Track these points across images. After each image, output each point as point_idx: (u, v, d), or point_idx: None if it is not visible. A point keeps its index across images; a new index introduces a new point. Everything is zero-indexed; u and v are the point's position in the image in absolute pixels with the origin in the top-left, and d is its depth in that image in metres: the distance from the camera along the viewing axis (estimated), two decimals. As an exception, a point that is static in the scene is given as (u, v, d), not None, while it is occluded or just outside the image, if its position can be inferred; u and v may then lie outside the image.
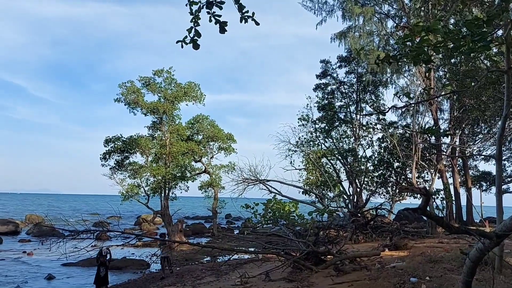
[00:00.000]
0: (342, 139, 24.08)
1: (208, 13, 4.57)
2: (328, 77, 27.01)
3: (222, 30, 4.66)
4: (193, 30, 4.61)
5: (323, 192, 23.69)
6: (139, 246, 25.58)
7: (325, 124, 23.81)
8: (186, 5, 4.59)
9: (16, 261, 20.80)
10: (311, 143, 24.14)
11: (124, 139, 28.14)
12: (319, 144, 24.03)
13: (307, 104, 24.66)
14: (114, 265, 19.15)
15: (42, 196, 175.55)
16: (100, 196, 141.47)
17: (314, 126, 23.84)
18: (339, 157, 22.78)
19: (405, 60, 4.61)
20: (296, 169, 24.47)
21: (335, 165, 23.87)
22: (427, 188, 10.90)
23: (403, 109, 24.08)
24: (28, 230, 34.78)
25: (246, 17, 4.65)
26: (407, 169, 22.33)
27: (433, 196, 17.08)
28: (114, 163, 28.25)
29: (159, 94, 29.18)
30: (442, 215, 18.15)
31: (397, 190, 23.22)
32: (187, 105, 30.13)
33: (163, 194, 28.57)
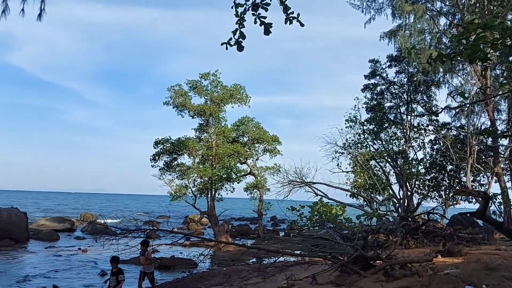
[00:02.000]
0: (391, 141, 23.32)
1: (254, 14, 4.59)
2: (377, 77, 26.28)
3: (267, 31, 4.67)
4: (238, 32, 4.65)
5: (372, 195, 23.07)
6: (187, 245, 26.14)
7: (373, 126, 23.19)
8: (232, 7, 4.64)
9: (72, 257, 21.86)
10: (358, 145, 23.59)
11: (173, 141, 28.90)
12: (368, 146, 23.43)
13: (355, 105, 24.07)
14: (163, 263, 19.69)
15: (96, 195, 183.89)
16: (151, 196, 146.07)
17: (362, 127, 23.26)
18: (389, 160, 22.12)
19: (459, 58, 4.40)
20: (343, 171, 24.01)
21: (384, 168, 23.21)
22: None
23: (457, 110, 22.98)
24: (83, 228, 36.52)
25: (291, 18, 4.64)
26: (461, 172, 21.27)
27: (491, 201, 16.17)
28: (163, 164, 29.10)
29: (205, 97, 29.73)
30: (501, 221, 17.15)
31: (452, 194, 22.20)
32: (232, 107, 30.53)
33: (209, 195, 29.03)
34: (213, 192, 29.05)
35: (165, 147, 28.82)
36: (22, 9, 8.01)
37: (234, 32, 4.70)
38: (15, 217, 26.89)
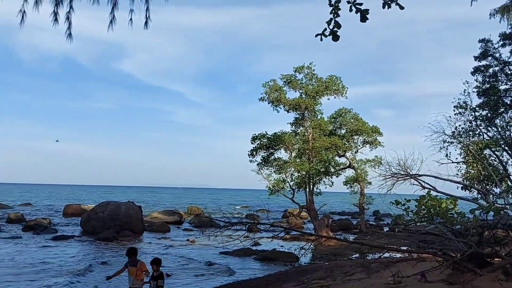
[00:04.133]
0: (509, 127, 20.93)
1: (349, 2, 4.45)
2: (489, 58, 23.73)
3: (364, 18, 4.47)
4: (332, 21, 4.55)
5: (487, 187, 20.97)
6: (287, 239, 26.39)
7: (487, 111, 21.03)
8: (326, -3, 4.55)
9: (181, 248, 23.40)
10: (470, 133, 21.56)
11: (269, 136, 29.31)
12: (481, 133, 21.32)
13: (464, 90, 22.03)
14: (266, 256, 20.14)
15: (201, 190, 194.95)
16: (250, 191, 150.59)
17: (473, 114, 21.21)
18: (506, 148, 19.88)
19: None
20: (453, 162, 22.14)
21: (501, 157, 20.93)
22: None
23: None
24: (190, 220, 38.91)
25: (389, 1, 4.41)
26: None
27: None
28: (261, 159, 29.66)
29: (300, 91, 29.62)
30: None
31: None
32: (328, 99, 29.97)
33: (307, 189, 28.93)
34: (311, 186, 28.88)
35: (262, 142, 29.35)
36: (130, 19, 8.69)
37: (328, 22, 4.61)
38: (132, 210, 29.57)
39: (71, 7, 8.14)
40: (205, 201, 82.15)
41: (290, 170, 28.89)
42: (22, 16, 7.71)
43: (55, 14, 8.14)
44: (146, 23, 8.79)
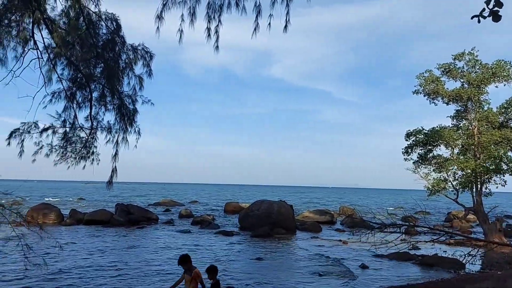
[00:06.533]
0: None
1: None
2: None
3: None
4: (492, 1, 4.07)
5: None
6: (451, 244, 23.79)
7: None
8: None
9: (333, 248, 23.18)
10: None
11: (426, 131, 26.99)
12: None
13: None
14: (425, 261, 18.61)
15: (349, 190, 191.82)
16: (403, 191, 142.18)
17: None
18: None
19: None
20: None
21: None
22: None
23: None
24: (342, 221, 38.38)
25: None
26: None
27: None
28: (417, 157, 27.51)
29: (461, 80, 26.58)
30: None
31: None
32: (496, 87, 26.21)
33: (474, 189, 25.77)
34: (479, 186, 25.62)
35: (417, 138, 27.18)
36: (269, 24, 8.90)
37: (487, 2, 4.07)
38: (284, 209, 30.57)
39: (219, 21, 8.72)
40: (355, 201, 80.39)
41: (453, 169, 26.08)
42: (180, 35, 8.55)
43: (208, 29, 8.83)
44: (285, 26, 8.90)
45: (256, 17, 8.74)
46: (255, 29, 8.70)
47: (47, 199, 59.18)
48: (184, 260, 7.95)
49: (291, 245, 24.31)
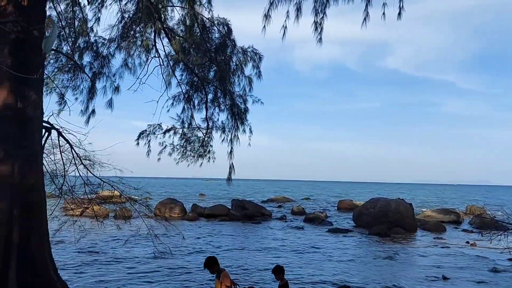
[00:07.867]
0: None
1: None
2: None
3: None
4: None
5: None
6: None
7: None
8: None
9: (459, 250, 21.26)
10: None
11: None
12: None
13: None
14: None
15: (478, 187, 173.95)
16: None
17: None
18: None
19: None
20: None
21: None
22: None
23: None
24: (470, 221, 34.97)
25: None
26: None
27: None
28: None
29: None
30: None
31: None
32: None
33: None
34: None
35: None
36: (383, 13, 8.43)
37: None
38: (402, 207, 28.91)
39: (324, 13, 8.55)
40: (488, 200, 72.65)
41: None
42: (284, 31, 8.59)
43: (315, 23, 8.72)
44: (399, 13, 8.37)
45: (366, 6, 8.39)
46: (364, 19, 8.37)
47: (171, 195, 64.62)
48: (211, 263, 7.07)
49: (412, 245, 22.94)
